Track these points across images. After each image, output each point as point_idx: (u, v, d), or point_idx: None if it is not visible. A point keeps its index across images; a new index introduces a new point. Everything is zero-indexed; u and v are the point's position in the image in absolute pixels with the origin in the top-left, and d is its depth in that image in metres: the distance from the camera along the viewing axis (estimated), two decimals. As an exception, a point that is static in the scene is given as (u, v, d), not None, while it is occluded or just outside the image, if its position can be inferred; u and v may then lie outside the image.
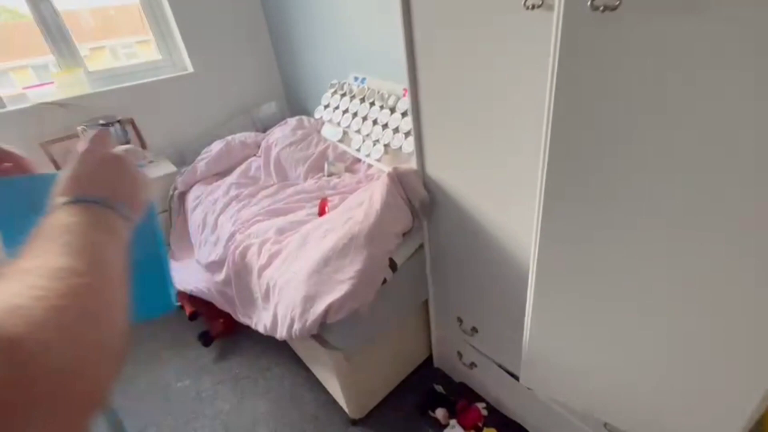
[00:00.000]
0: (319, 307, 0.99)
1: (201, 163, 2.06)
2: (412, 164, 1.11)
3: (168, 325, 1.94)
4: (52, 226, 0.29)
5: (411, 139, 1.51)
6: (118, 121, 2.07)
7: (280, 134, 2.08)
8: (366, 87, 1.90)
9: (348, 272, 0.99)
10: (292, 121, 2.23)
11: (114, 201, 0.34)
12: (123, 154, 0.39)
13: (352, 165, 1.90)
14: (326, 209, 1.57)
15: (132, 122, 2.22)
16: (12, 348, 0.19)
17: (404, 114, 1.62)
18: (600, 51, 0.51)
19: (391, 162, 1.64)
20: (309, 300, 1.02)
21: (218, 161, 2.08)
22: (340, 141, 1.93)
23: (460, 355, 1.37)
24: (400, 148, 1.57)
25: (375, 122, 1.75)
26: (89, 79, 2.16)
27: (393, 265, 1.09)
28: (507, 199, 0.91)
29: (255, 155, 2.14)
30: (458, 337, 1.32)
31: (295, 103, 2.73)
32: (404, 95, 1.72)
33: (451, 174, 1.03)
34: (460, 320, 1.26)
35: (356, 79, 2.02)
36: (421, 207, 1.08)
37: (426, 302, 1.36)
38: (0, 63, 2.22)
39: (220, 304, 1.67)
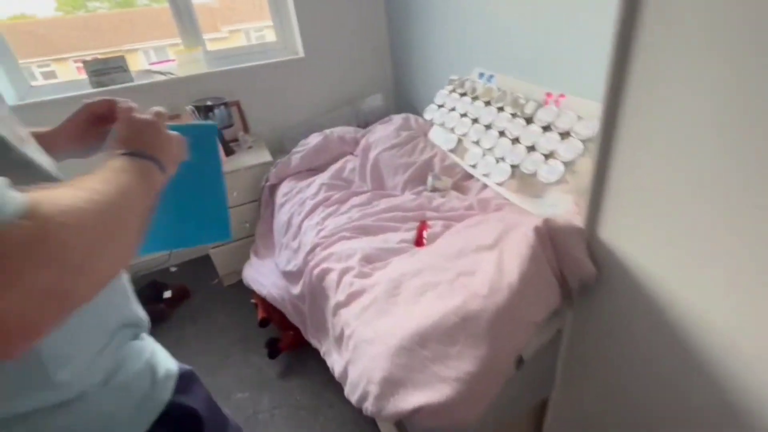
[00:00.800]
0: (405, 403, 0.70)
1: (296, 156, 1.91)
2: (560, 206, 0.75)
3: (239, 325, 1.84)
4: (104, 166, 0.40)
5: (556, 164, 1.11)
6: (224, 104, 2.02)
7: (381, 134, 1.82)
8: (494, 87, 1.52)
9: (454, 369, 0.68)
10: (397, 120, 1.96)
11: (150, 153, 0.44)
12: (155, 119, 0.48)
13: (462, 181, 1.56)
14: (424, 237, 1.27)
15: (238, 105, 2.17)
16: (38, 213, 0.28)
17: (547, 128, 1.22)
18: None
19: (518, 190, 1.26)
20: (392, 385, 0.73)
21: (314, 156, 1.90)
22: (452, 151, 1.59)
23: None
24: (535, 174, 1.18)
25: (502, 134, 1.37)
26: (206, 58, 2.15)
27: (519, 363, 0.74)
28: (744, 308, 0.50)
29: (352, 153, 1.92)
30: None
31: (404, 98, 2.46)
32: (547, 102, 1.30)
33: (643, 247, 0.63)
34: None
35: (481, 75, 1.65)
36: (579, 285, 0.71)
37: (543, 404, 0.98)
38: (137, 42, 2.35)
39: (292, 316, 1.49)
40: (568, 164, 1.11)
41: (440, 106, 1.74)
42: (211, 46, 2.20)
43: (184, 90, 2.01)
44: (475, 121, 1.53)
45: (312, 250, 1.36)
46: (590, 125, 1.11)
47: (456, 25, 1.76)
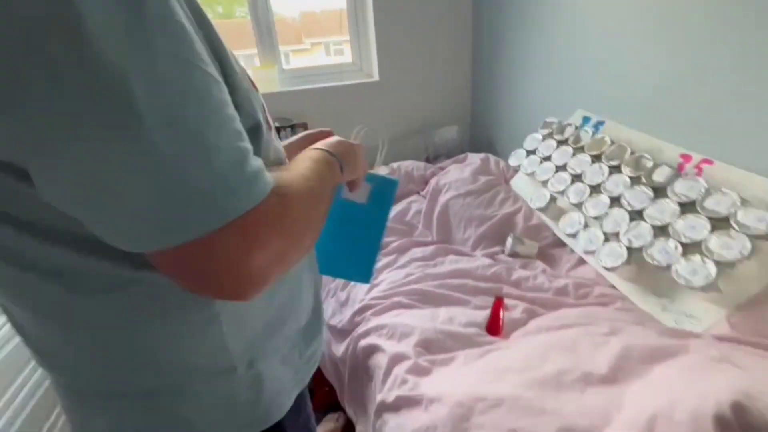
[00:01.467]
0: None
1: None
2: (704, 320, 0.47)
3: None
4: (311, 154, 0.47)
5: (704, 263, 0.80)
6: (291, 126, 1.92)
7: (455, 176, 1.59)
8: (605, 138, 1.23)
9: None
10: (475, 160, 1.71)
11: (343, 160, 0.49)
12: (358, 144, 0.55)
13: (551, 249, 1.27)
14: (501, 323, 1.00)
15: (305, 126, 2.07)
16: (281, 192, 0.33)
17: (688, 207, 0.91)
18: None
19: (635, 280, 0.95)
20: None
21: (375, 191, 1.71)
22: (542, 210, 1.31)
23: None
24: (667, 268, 0.87)
25: (616, 202, 1.08)
26: (281, 77, 2.09)
27: None
28: None
29: (419, 193, 1.71)
30: None
31: (482, 134, 2.21)
32: (682, 167, 0.99)
33: None
34: None
35: (587, 120, 1.36)
36: None
37: None
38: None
39: (329, 374, 1.29)
40: (723, 265, 0.80)
41: (530, 153, 1.47)
42: (293, 56, 2.15)
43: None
44: (576, 177, 1.24)
45: (361, 311, 1.15)
46: (764, 217, 0.78)
47: (557, 54, 1.49)
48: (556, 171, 1.32)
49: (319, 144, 0.50)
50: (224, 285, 0.31)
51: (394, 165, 1.77)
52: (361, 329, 1.09)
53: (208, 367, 0.42)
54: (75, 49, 0.23)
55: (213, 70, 0.29)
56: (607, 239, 1.06)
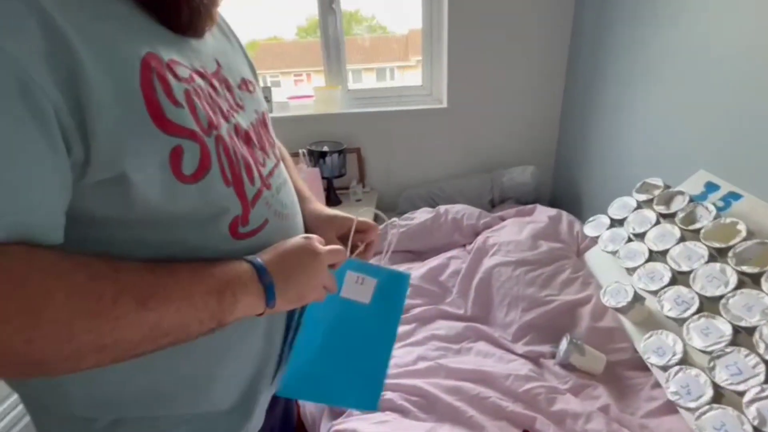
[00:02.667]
0: None
1: (393, 231, 1.50)
2: None
3: None
4: (219, 270, 0.36)
5: None
6: (340, 151, 1.77)
7: (509, 236, 1.26)
8: (737, 224, 0.81)
9: None
10: (542, 217, 1.36)
11: (278, 286, 0.39)
12: (321, 251, 0.43)
13: (625, 370, 0.88)
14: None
15: (358, 151, 1.92)
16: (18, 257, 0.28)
17: None
18: None
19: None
20: None
21: (414, 238, 1.46)
22: (622, 311, 0.92)
23: None
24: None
25: (745, 334, 0.68)
26: (344, 98, 1.98)
27: None
28: None
29: (463, 247, 1.41)
30: None
31: (564, 182, 1.82)
32: None
33: None
34: None
35: (712, 189, 0.95)
36: None
37: None
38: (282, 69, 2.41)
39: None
40: None
41: (616, 223, 1.08)
42: (365, 74, 2.05)
43: (310, 128, 1.87)
44: (681, 276, 0.84)
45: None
46: None
47: (677, 93, 1.09)
48: (650, 258, 0.92)
49: (260, 256, 0.40)
50: None
51: (441, 208, 1.50)
52: (337, 425, 0.85)
53: (52, 407, 0.41)
54: None
55: None
56: (719, 393, 0.66)
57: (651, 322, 0.88)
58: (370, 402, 0.53)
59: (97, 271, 0.30)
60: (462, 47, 1.73)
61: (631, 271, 0.95)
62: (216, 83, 0.42)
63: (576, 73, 1.65)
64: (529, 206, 1.51)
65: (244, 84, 0.48)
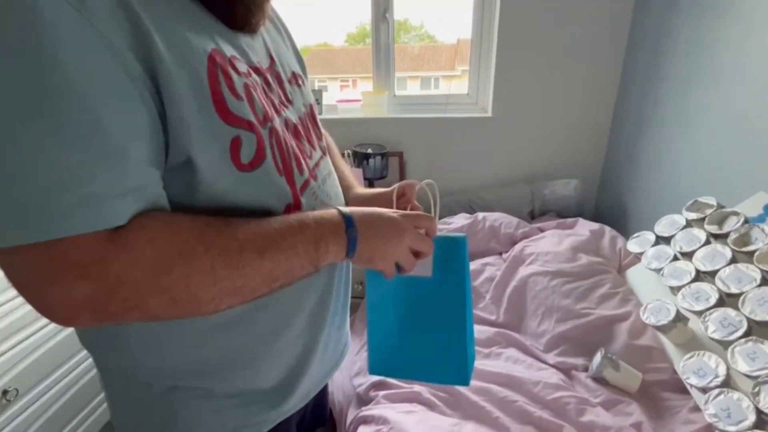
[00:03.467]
0: None
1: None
2: None
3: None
4: (311, 217, 0.40)
5: None
6: (382, 154, 1.83)
7: (548, 246, 1.25)
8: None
9: None
10: (584, 230, 1.33)
11: (362, 237, 0.42)
12: (410, 232, 0.44)
13: (661, 391, 0.86)
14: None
15: (401, 156, 1.97)
16: (123, 242, 0.32)
17: None
18: None
19: None
20: None
21: (450, 241, 1.48)
22: (662, 329, 0.90)
23: None
24: None
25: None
26: (390, 103, 2.05)
27: None
28: None
29: (500, 255, 1.41)
30: None
31: (610, 198, 1.77)
32: None
33: None
34: None
35: (771, 213, 0.90)
36: None
37: None
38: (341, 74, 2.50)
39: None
40: None
41: (662, 240, 1.05)
42: (410, 83, 2.11)
43: (356, 130, 1.94)
44: (730, 299, 0.81)
45: (377, 386, 0.95)
46: None
47: (735, 107, 1.04)
48: (697, 278, 0.89)
49: (351, 209, 0.43)
50: (35, 307, 0.31)
51: (479, 215, 1.51)
52: (365, 411, 0.89)
53: (118, 370, 0.45)
54: None
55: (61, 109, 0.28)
56: (762, 419, 0.63)
57: (693, 344, 0.85)
58: (460, 377, 0.52)
59: (220, 228, 0.35)
60: (511, 57, 1.73)
61: (675, 290, 0.92)
62: (269, 78, 0.45)
63: (629, 86, 1.61)
64: (571, 219, 1.48)
65: (294, 78, 0.51)
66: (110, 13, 0.30)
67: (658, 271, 0.99)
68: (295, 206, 0.43)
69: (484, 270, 1.32)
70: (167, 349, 0.42)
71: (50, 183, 0.28)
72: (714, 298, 0.82)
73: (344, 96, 2.17)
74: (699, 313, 0.83)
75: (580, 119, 1.78)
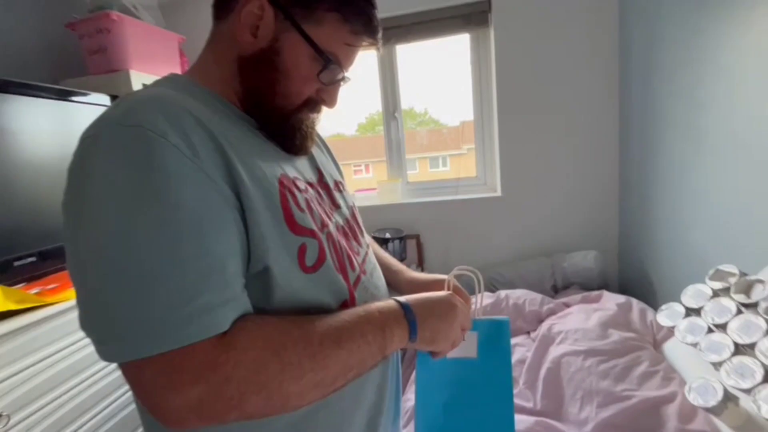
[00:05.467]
0: None
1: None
2: None
3: None
4: (374, 308, 0.45)
5: None
6: (401, 238, 1.91)
7: (575, 323, 1.23)
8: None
9: None
10: (610, 304, 1.32)
11: (420, 323, 0.46)
12: (460, 308, 0.50)
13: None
14: None
15: (418, 238, 2.04)
16: (231, 346, 0.36)
17: None
18: None
19: None
20: None
21: (474, 322, 1.47)
22: (713, 411, 0.85)
23: None
24: None
25: None
26: (404, 189, 2.19)
27: None
28: None
29: (527, 334, 1.38)
30: None
31: (631, 268, 1.76)
32: None
33: None
34: None
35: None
36: None
37: None
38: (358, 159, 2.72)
39: None
40: None
41: (692, 312, 1.03)
42: (420, 165, 2.26)
43: (374, 216, 2.05)
44: (776, 373, 0.78)
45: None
46: None
47: (752, 173, 1.08)
48: (737, 351, 0.86)
49: (406, 297, 0.48)
50: (150, 411, 0.34)
51: (502, 293, 1.51)
52: None
53: None
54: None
55: (189, 229, 0.35)
56: None
57: (751, 426, 0.80)
58: None
59: (301, 325, 0.39)
60: (512, 137, 1.87)
61: (717, 365, 0.89)
62: (320, 190, 0.53)
63: (628, 153, 1.69)
64: (596, 293, 1.47)
65: (337, 186, 0.58)
66: (212, 157, 0.38)
67: (694, 345, 0.96)
68: (351, 301, 0.47)
69: (514, 351, 1.28)
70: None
71: (172, 299, 0.33)
72: (759, 374, 0.79)
73: (357, 182, 2.33)
74: (747, 391, 0.79)
75: (588, 190, 1.84)
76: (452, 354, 0.52)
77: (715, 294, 1.00)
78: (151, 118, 0.36)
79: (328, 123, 2.53)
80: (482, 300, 0.56)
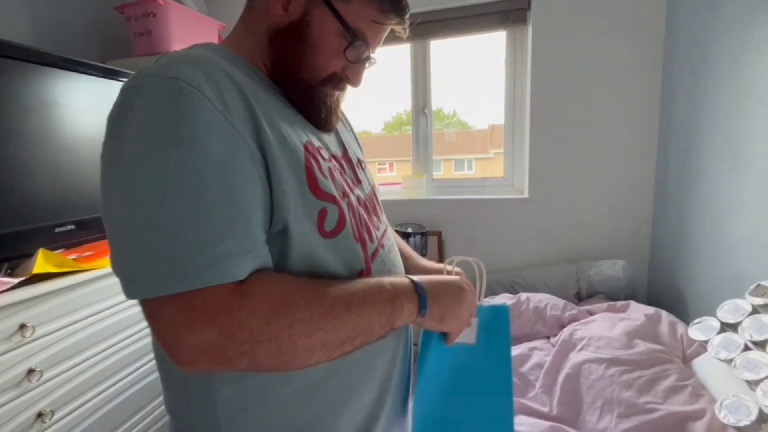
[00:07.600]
0: None
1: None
2: None
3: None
4: (386, 281, 0.46)
5: None
6: (422, 234, 1.90)
7: (600, 331, 1.19)
8: None
9: None
10: (638, 314, 1.27)
11: (430, 301, 0.47)
12: (466, 292, 0.51)
13: None
14: None
15: (439, 235, 2.03)
16: (245, 293, 0.37)
17: None
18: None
19: None
20: None
21: (493, 322, 1.44)
22: (744, 429, 0.80)
23: None
24: None
25: None
26: (429, 185, 2.18)
27: None
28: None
29: (547, 339, 1.35)
30: None
31: (662, 279, 1.68)
32: None
33: None
34: None
35: None
36: None
37: None
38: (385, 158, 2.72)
39: None
40: None
41: (728, 327, 0.98)
42: (444, 165, 2.25)
43: (397, 211, 2.04)
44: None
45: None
46: None
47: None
48: (776, 371, 0.81)
49: (418, 276, 0.49)
50: (165, 349, 0.36)
51: (523, 296, 1.48)
52: None
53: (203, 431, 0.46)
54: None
55: (219, 178, 0.36)
56: None
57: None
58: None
59: (316, 285, 0.41)
60: (544, 139, 1.82)
61: (753, 384, 0.84)
62: (344, 163, 0.54)
63: (667, 164, 1.62)
64: (622, 302, 1.42)
65: (359, 163, 0.60)
66: (242, 114, 0.39)
67: (728, 362, 0.91)
68: (366, 272, 0.48)
69: (532, 355, 1.25)
70: (250, 416, 0.44)
71: (195, 243, 0.35)
72: (801, 396, 0.74)
73: (383, 180, 2.34)
74: (786, 413, 0.74)
75: (621, 198, 1.78)
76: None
77: (755, 310, 0.95)
78: (188, 72, 0.37)
79: (355, 119, 2.56)
80: (484, 286, 0.57)
